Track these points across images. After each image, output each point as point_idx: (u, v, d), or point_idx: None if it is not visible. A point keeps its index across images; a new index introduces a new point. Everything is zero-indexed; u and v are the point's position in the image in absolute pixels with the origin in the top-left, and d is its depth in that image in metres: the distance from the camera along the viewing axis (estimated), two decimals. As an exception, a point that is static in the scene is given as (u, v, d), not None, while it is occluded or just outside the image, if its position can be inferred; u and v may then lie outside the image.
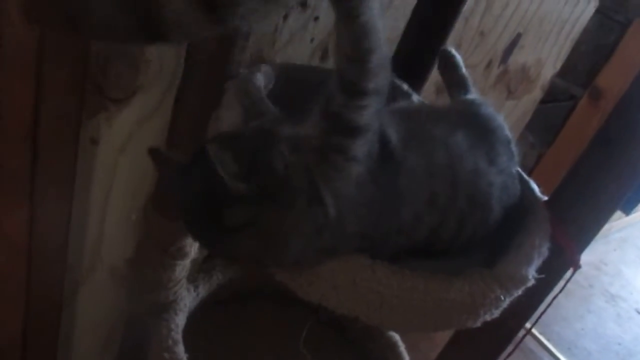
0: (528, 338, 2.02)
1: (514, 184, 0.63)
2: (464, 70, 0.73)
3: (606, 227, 2.62)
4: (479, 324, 0.58)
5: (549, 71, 1.43)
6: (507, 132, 0.63)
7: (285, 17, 0.79)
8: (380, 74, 0.47)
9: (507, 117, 1.44)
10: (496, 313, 0.58)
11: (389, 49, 0.52)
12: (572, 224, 0.63)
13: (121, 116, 0.74)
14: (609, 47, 1.67)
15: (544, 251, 0.60)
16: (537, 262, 0.59)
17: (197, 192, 0.49)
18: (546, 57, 1.36)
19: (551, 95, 1.65)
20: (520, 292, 0.58)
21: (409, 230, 0.54)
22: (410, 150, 0.54)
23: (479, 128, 0.61)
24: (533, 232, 0.60)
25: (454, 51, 0.74)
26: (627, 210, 2.04)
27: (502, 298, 0.56)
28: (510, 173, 0.62)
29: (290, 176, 0.48)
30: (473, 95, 0.69)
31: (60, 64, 0.59)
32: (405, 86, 0.78)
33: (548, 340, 2.04)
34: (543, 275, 0.59)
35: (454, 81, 0.71)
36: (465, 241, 0.58)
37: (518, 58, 1.27)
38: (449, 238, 0.57)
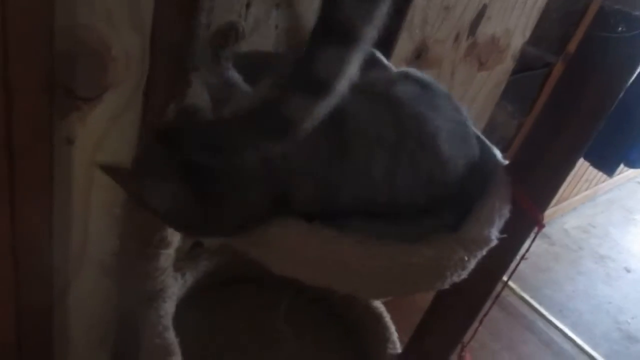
0: (519, 302, 2.07)
1: (466, 133, 0.64)
2: (385, 61, 0.77)
3: (593, 190, 2.65)
4: (447, 285, 0.61)
5: (518, 40, 1.45)
6: (445, 89, 0.66)
7: (248, 6, 0.81)
8: None
9: (481, 89, 1.47)
10: (463, 274, 0.61)
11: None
12: (533, 185, 0.66)
13: (94, 114, 0.76)
14: (579, 13, 1.69)
15: (505, 213, 0.63)
16: (498, 224, 0.62)
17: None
18: (514, 27, 1.38)
19: (526, 64, 1.67)
20: (484, 253, 0.61)
21: (364, 173, 0.56)
22: (351, 101, 0.55)
23: (416, 84, 0.63)
24: (494, 195, 0.63)
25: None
26: (610, 173, 2.07)
27: (466, 259, 0.59)
28: (459, 121, 0.64)
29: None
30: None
31: (26, 66, 0.61)
32: (385, 61, 0.80)
33: (540, 304, 2.09)
34: (506, 236, 0.62)
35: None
36: (425, 192, 0.59)
37: (486, 29, 1.29)
38: (407, 184, 0.58)
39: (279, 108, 0.44)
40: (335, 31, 0.43)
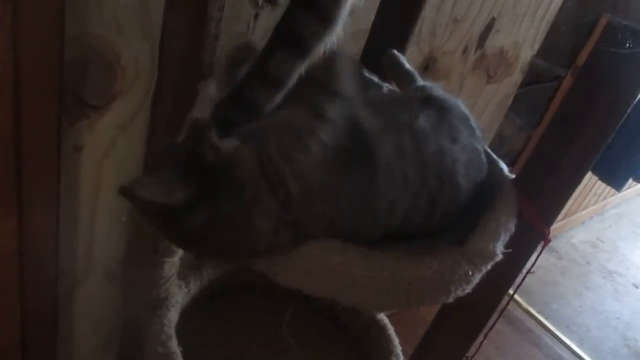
0: (526, 317, 2.06)
1: (479, 159, 0.65)
2: (407, 65, 0.77)
3: (601, 204, 2.64)
4: (451, 299, 0.60)
5: (527, 53, 1.45)
6: (464, 109, 0.66)
7: (257, 17, 0.82)
8: None
9: (489, 101, 1.47)
10: (468, 288, 0.61)
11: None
12: (539, 199, 0.65)
13: (103, 122, 0.77)
14: (588, 26, 1.69)
15: (511, 227, 0.62)
16: (504, 238, 0.61)
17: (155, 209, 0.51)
18: (523, 40, 1.38)
19: (535, 77, 1.67)
20: (489, 267, 0.61)
21: (384, 219, 0.57)
22: (381, 139, 0.57)
23: (436, 109, 0.63)
24: (500, 210, 0.63)
25: (394, 51, 0.79)
26: (619, 187, 2.06)
27: (471, 273, 0.58)
28: (474, 148, 0.64)
29: (237, 163, 0.50)
30: (422, 83, 0.72)
31: (37, 74, 0.62)
32: (375, 79, 0.80)
33: (546, 318, 2.07)
34: (511, 250, 0.62)
35: (401, 76, 0.75)
36: (437, 222, 0.60)
37: (495, 42, 1.29)
38: (422, 221, 0.59)
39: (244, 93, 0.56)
40: (288, 42, 0.53)
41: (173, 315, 0.84)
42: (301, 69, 0.54)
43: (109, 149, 0.80)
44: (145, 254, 0.82)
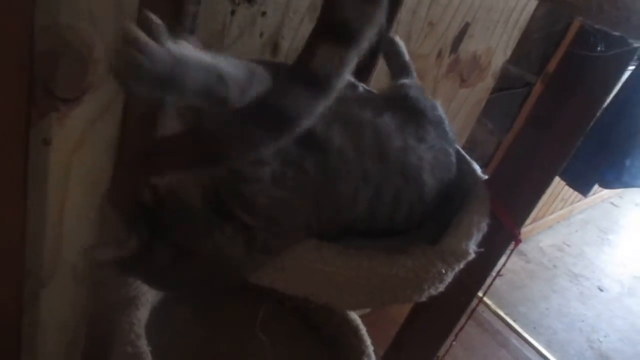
0: (494, 319, 2.09)
1: (448, 159, 0.66)
2: (406, 57, 0.77)
3: (568, 209, 2.69)
4: (424, 298, 0.61)
5: (499, 59, 1.47)
6: (439, 112, 0.67)
7: (233, 13, 0.81)
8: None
9: (462, 105, 1.49)
10: (441, 287, 0.62)
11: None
12: (510, 200, 0.66)
13: (73, 116, 0.75)
14: (558, 35, 1.73)
15: (484, 227, 0.63)
16: (476, 237, 0.62)
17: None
18: (496, 46, 1.41)
19: (507, 83, 1.70)
20: (462, 266, 0.62)
21: (349, 206, 0.56)
22: (334, 132, 0.56)
23: (407, 109, 0.64)
24: (472, 209, 0.64)
25: (397, 39, 0.78)
26: (585, 192, 2.10)
27: (444, 272, 0.59)
28: (443, 149, 0.65)
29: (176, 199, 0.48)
30: (408, 79, 0.72)
31: (6, 64, 0.60)
32: (351, 78, 0.81)
33: (514, 320, 2.11)
34: (484, 249, 0.62)
35: (397, 67, 0.75)
36: (404, 219, 0.60)
37: (468, 47, 1.31)
38: (388, 216, 0.59)
39: (276, 104, 0.42)
40: (334, 30, 0.41)
41: (143, 314, 0.82)
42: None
43: (78, 144, 0.78)
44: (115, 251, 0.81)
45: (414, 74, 0.74)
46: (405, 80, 0.72)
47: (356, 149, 0.56)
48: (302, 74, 0.42)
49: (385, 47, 0.77)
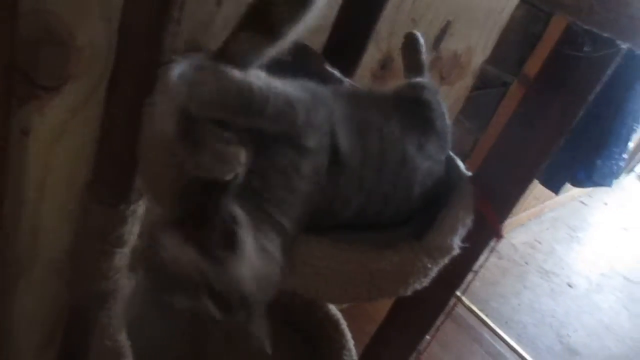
0: (468, 314, 2.12)
1: (439, 169, 0.67)
2: (423, 55, 0.77)
3: (540, 207, 2.73)
4: (409, 292, 0.61)
5: (479, 58, 1.49)
6: (446, 121, 0.68)
7: (219, 4, 0.80)
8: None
9: (442, 103, 1.50)
10: (425, 281, 0.62)
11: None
12: (494, 197, 0.67)
13: (53, 105, 0.73)
14: (536, 36, 1.76)
15: (468, 222, 0.64)
16: (461, 233, 0.63)
17: None
18: (475, 45, 1.42)
19: (485, 82, 1.72)
20: (446, 261, 0.63)
21: (338, 212, 0.58)
22: (343, 136, 0.56)
23: (416, 114, 0.65)
24: (457, 205, 0.64)
25: (418, 35, 0.77)
26: (557, 190, 2.15)
27: (429, 266, 0.60)
28: (439, 160, 0.66)
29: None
30: (424, 78, 0.73)
31: (-14, 50, 0.58)
32: (337, 73, 0.81)
33: (487, 315, 2.15)
34: (467, 245, 0.63)
35: (413, 63, 0.75)
36: (390, 216, 0.62)
37: (449, 45, 1.33)
38: (373, 214, 0.60)
39: None
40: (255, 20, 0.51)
41: (122, 308, 0.81)
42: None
43: (58, 134, 0.77)
44: (94, 243, 0.79)
45: (426, 73, 0.75)
46: (422, 80, 0.71)
47: (359, 157, 0.57)
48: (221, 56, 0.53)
49: (405, 42, 0.77)
